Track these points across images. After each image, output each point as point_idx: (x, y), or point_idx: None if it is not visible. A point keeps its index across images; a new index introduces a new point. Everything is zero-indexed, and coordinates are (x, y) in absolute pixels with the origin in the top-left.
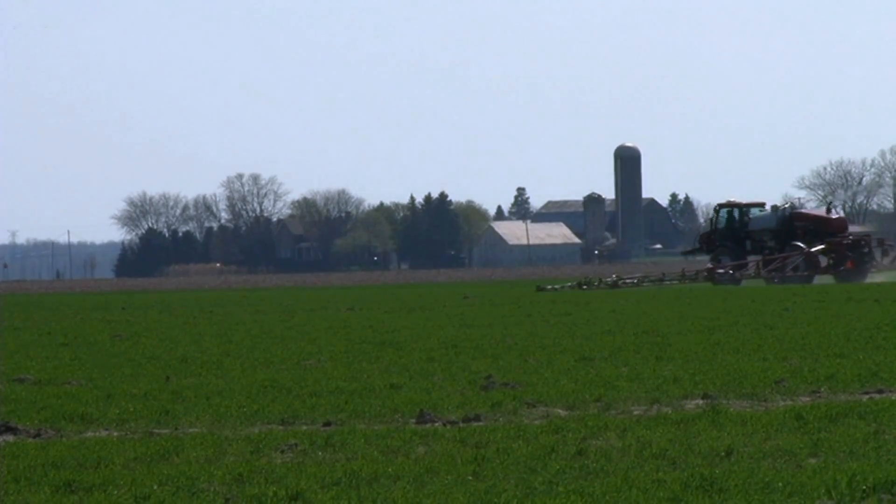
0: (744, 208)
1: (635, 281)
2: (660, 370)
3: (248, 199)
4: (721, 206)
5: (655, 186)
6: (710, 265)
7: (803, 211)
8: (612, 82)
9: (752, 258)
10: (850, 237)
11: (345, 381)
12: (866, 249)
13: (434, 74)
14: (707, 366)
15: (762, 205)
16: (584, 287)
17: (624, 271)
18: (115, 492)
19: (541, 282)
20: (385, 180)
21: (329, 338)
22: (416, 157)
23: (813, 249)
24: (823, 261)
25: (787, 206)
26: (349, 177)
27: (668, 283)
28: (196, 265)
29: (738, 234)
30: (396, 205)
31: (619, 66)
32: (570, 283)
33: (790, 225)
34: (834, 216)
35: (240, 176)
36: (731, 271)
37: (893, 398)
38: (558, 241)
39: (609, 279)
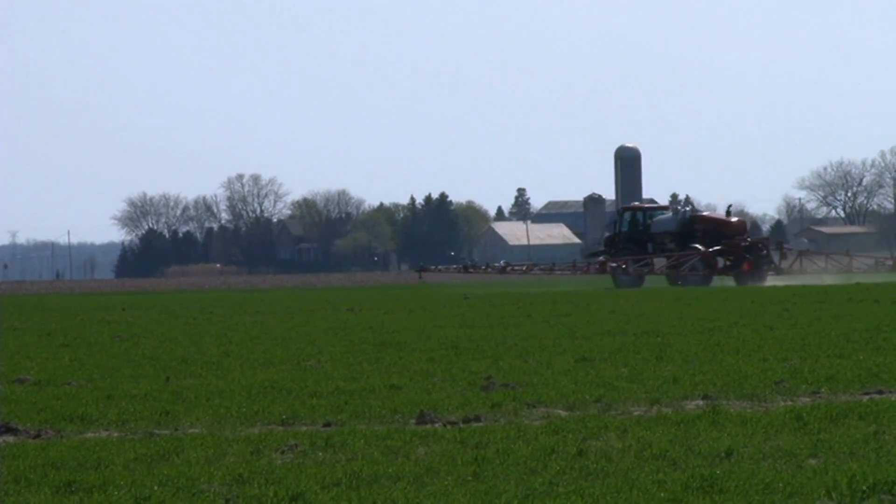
0: (647, 211)
1: (524, 268)
2: (660, 371)
3: (249, 199)
4: (625, 208)
5: (656, 187)
6: (600, 259)
7: (703, 214)
8: (612, 82)
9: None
10: (748, 240)
11: (345, 382)
12: (764, 252)
13: (434, 75)
14: (707, 366)
15: (666, 208)
16: (471, 270)
17: None
18: (116, 492)
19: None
20: (385, 181)
21: (329, 338)
22: (417, 157)
23: (710, 251)
24: (721, 262)
25: (687, 209)
26: (349, 177)
27: (558, 273)
28: (196, 266)
29: (641, 237)
30: (396, 205)
31: (619, 66)
32: (455, 266)
33: (690, 227)
34: (733, 219)
35: (240, 176)
36: (623, 266)
37: (893, 399)
38: (558, 241)
39: (497, 264)
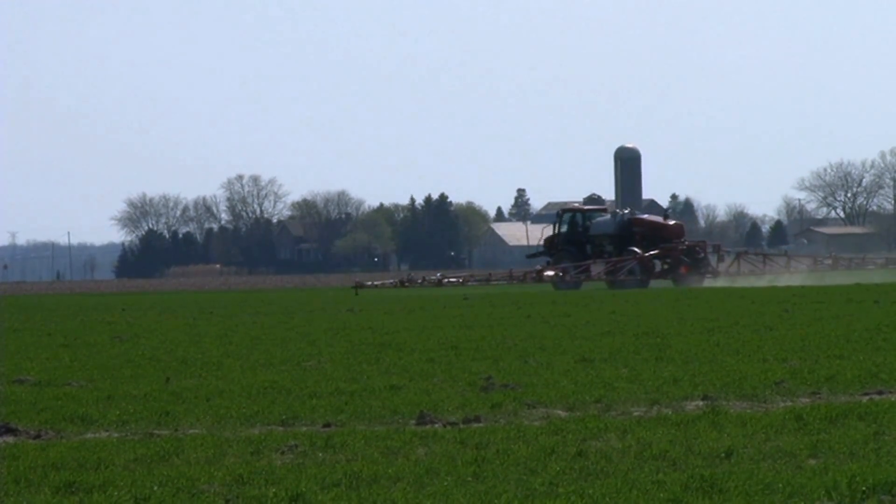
0: (586, 213)
1: (460, 280)
2: (660, 371)
3: (249, 200)
4: (564, 210)
5: (656, 187)
6: (538, 267)
7: (641, 217)
8: (612, 82)
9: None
10: (686, 243)
11: (345, 383)
12: (701, 255)
13: (434, 75)
14: (707, 367)
15: (605, 210)
16: (407, 284)
17: None
18: (116, 493)
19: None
20: (385, 181)
21: (329, 339)
22: (417, 158)
23: (648, 254)
24: (658, 265)
25: (625, 211)
26: (349, 178)
27: (494, 283)
28: (196, 266)
29: (580, 239)
30: (396, 206)
31: (619, 66)
32: (391, 281)
33: (628, 230)
34: (671, 222)
35: (240, 177)
36: (560, 274)
37: (893, 399)
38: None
39: (433, 277)
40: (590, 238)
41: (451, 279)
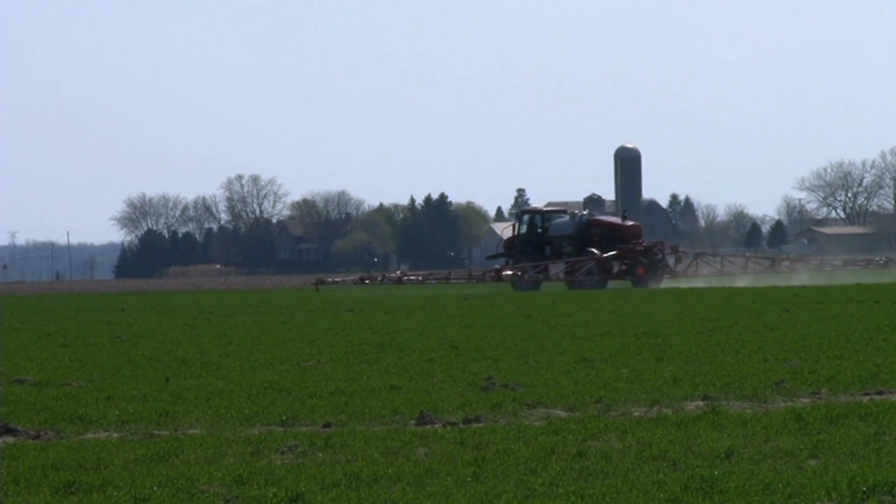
0: (545, 215)
1: (420, 278)
2: (660, 371)
3: (248, 200)
4: (524, 212)
5: (656, 187)
6: (495, 267)
7: (599, 218)
8: (612, 82)
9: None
10: (643, 244)
11: (345, 383)
12: (659, 256)
13: (434, 75)
14: (707, 367)
15: (564, 212)
16: (367, 282)
17: None
18: (115, 493)
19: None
20: (385, 181)
21: (329, 339)
22: (416, 158)
23: (605, 255)
24: (617, 266)
25: (584, 213)
26: (349, 178)
27: (454, 281)
28: (196, 266)
29: (539, 240)
30: (396, 206)
31: (619, 66)
32: (352, 278)
33: (587, 232)
34: (628, 224)
35: (239, 177)
36: (518, 273)
37: (894, 399)
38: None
39: (393, 275)
40: (549, 239)
41: (412, 277)
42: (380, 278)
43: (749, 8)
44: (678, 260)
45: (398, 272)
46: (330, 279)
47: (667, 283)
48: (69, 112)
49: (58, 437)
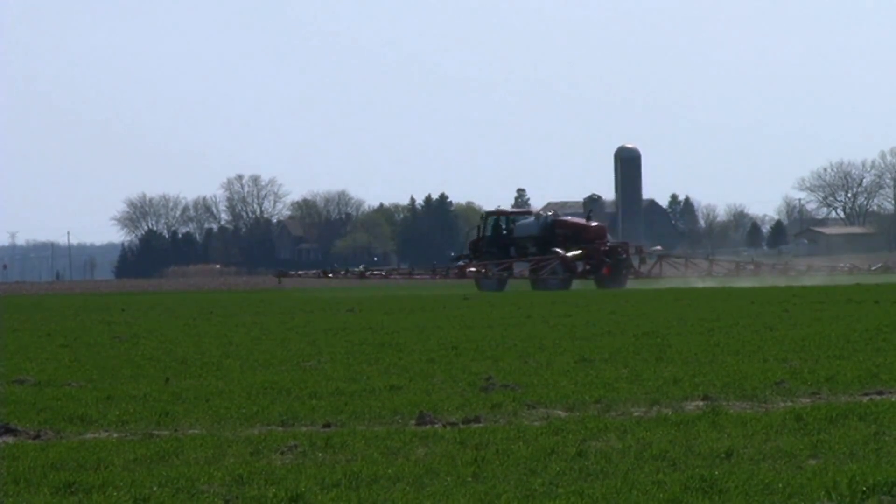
0: (510, 216)
1: (383, 273)
2: (660, 372)
3: (248, 200)
4: (489, 213)
5: (656, 187)
6: (459, 263)
7: (564, 218)
8: (612, 82)
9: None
10: (608, 244)
11: (345, 383)
12: (623, 256)
13: (434, 74)
14: (707, 367)
15: (530, 213)
16: (331, 275)
17: None
18: (115, 493)
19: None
20: (385, 181)
21: (329, 339)
22: (417, 158)
23: (569, 255)
24: (580, 266)
25: (549, 213)
26: (349, 178)
27: (417, 277)
28: (196, 266)
29: (504, 242)
30: (396, 206)
31: (619, 66)
32: (314, 272)
33: (551, 232)
34: (593, 224)
35: (240, 177)
36: (482, 270)
37: (893, 399)
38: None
39: (356, 269)
40: (514, 240)
41: (375, 272)
42: (343, 272)
43: (749, 8)
44: (642, 260)
45: (361, 267)
46: (292, 272)
47: (631, 284)
48: (69, 112)
49: (58, 437)
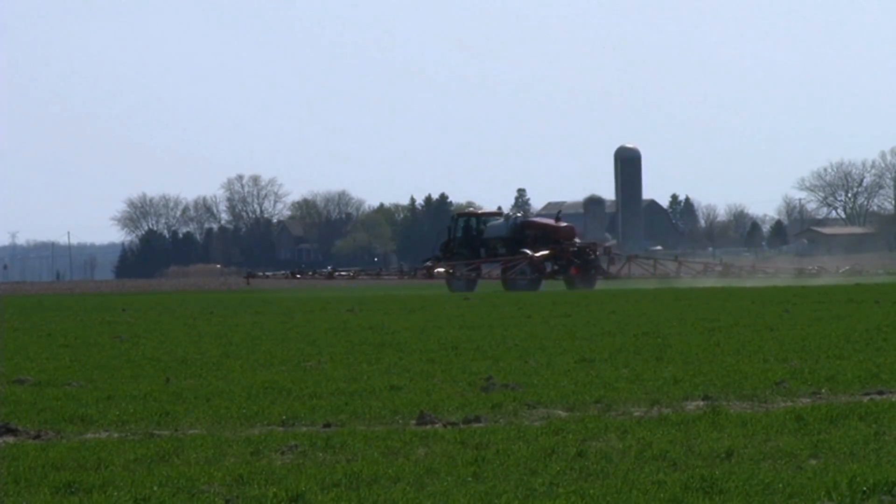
0: (481, 217)
1: (351, 273)
2: (660, 371)
3: (249, 200)
4: (460, 214)
5: (656, 187)
6: (426, 264)
7: (533, 220)
8: (612, 82)
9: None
10: (576, 245)
11: (345, 383)
12: (591, 257)
13: (434, 75)
14: (707, 367)
15: (500, 214)
16: (298, 276)
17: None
18: (115, 493)
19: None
20: (385, 181)
21: (329, 339)
22: (417, 158)
23: (537, 255)
24: (549, 267)
25: (518, 215)
26: (349, 178)
27: (386, 278)
28: (196, 266)
29: (475, 243)
30: (397, 206)
31: (619, 66)
32: (282, 272)
33: (521, 233)
34: (561, 225)
35: (240, 177)
36: (450, 271)
37: (894, 399)
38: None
39: (324, 270)
40: (484, 241)
41: (342, 272)
42: (311, 273)
43: (749, 8)
44: (611, 261)
45: (329, 268)
46: (261, 272)
47: (601, 285)
48: (70, 112)
49: (58, 437)
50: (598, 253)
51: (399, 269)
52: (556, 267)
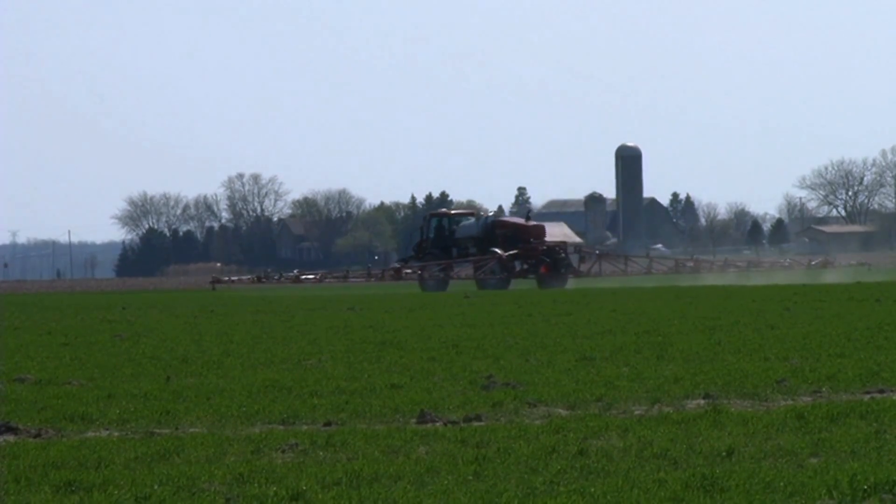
0: (453, 218)
1: (318, 277)
2: (661, 370)
3: (249, 198)
4: (432, 214)
5: (656, 186)
6: (393, 265)
7: (503, 219)
8: (612, 82)
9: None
10: (546, 244)
11: (345, 381)
12: (562, 255)
13: (434, 74)
14: (708, 365)
15: (472, 214)
16: (264, 280)
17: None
18: (116, 492)
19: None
20: (386, 180)
21: (330, 338)
22: (417, 156)
23: (507, 254)
24: (519, 266)
25: (489, 214)
26: (350, 176)
27: (353, 280)
28: (196, 265)
29: (446, 242)
30: (397, 204)
31: (619, 66)
32: (248, 277)
33: (492, 233)
34: (531, 224)
35: (240, 176)
36: (419, 272)
37: (895, 398)
38: (559, 240)
39: (290, 274)
40: (456, 241)
41: (309, 276)
42: (277, 277)
43: (749, 7)
44: (582, 259)
45: (295, 271)
46: (226, 277)
47: (573, 284)
48: (70, 111)
49: (58, 436)
50: (567, 251)
51: (367, 271)
52: (525, 266)
